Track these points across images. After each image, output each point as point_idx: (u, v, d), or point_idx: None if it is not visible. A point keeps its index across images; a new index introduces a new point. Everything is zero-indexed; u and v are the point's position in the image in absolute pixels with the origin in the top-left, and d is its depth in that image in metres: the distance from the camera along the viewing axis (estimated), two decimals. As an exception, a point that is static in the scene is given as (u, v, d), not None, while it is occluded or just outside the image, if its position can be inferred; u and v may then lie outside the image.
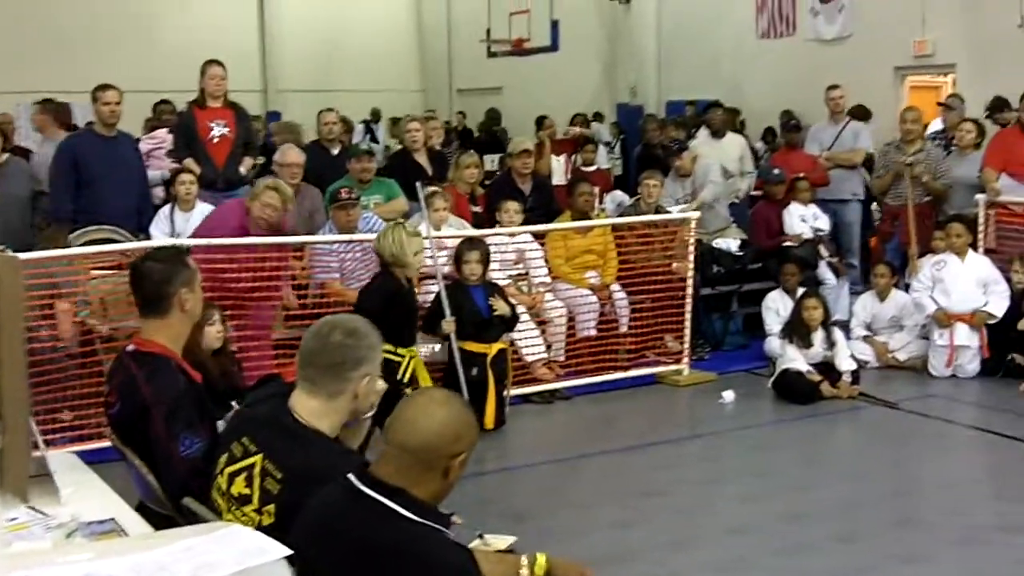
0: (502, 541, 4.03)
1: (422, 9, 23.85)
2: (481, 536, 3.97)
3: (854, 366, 9.06)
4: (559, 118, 15.50)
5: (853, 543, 6.01)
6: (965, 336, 9.47)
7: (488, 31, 19.49)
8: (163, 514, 3.88)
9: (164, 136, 10.17)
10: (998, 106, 11.90)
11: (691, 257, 9.62)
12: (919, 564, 5.74)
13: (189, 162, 9.30)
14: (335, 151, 10.57)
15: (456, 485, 3.17)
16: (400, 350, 6.75)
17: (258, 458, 3.43)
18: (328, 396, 3.49)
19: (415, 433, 3.05)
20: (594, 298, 9.49)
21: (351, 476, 3.10)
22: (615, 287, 9.62)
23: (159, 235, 8.61)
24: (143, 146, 9.95)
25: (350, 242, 8.34)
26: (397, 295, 6.99)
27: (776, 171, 11.22)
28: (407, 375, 6.94)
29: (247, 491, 3.43)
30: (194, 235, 7.97)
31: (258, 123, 13.98)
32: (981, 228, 10.18)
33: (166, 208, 9.06)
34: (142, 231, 8.70)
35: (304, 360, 3.53)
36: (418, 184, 8.12)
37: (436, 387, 3.32)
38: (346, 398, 3.51)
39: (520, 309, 8.70)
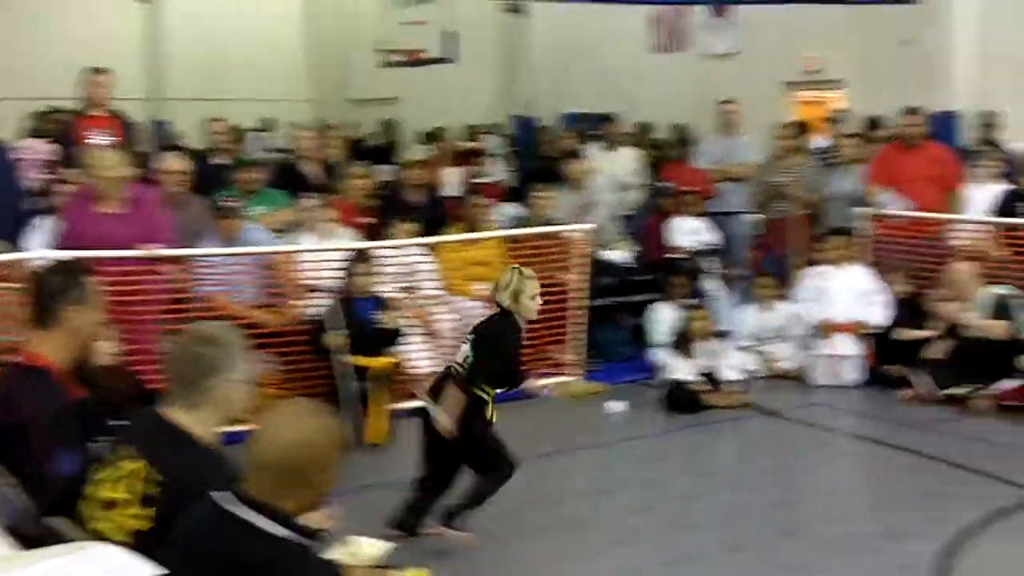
0: (375, 547, 3.96)
1: (314, 18, 23.62)
2: (346, 539, 3.88)
3: (740, 376, 9.22)
4: (454, 129, 15.47)
5: (740, 552, 6.09)
6: (847, 346, 9.72)
7: (382, 41, 19.40)
8: (29, 535, 3.77)
9: (37, 145, 9.90)
10: (872, 124, 12.18)
11: (581, 269, 9.65)
12: (803, 573, 5.83)
13: (70, 172, 9.07)
14: (222, 161, 10.41)
15: (330, 497, 3.15)
16: (489, 389, 6.27)
17: (138, 464, 3.40)
18: (193, 406, 3.48)
19: (273, 447, 3.05)
20: (486, 310, 9.46)
21: (216, 494, 3.08)
22: (506, 299, 9.60)
23: (38, 247, 8.38)
24: (17, 155, 9.68)
25: (234, 254, 8.22)
26: (519, 340, 6.49)
27: (665, 184, 11.34)
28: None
29: (125, 496, 3.39)
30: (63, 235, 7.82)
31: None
32: (863, 240, 10.41)
33: (45, 219, 8.82)
34: (17, 241, 8.45)
35: (168, 372, 3.54)
36: (305, 195, 8.04)
37: (297, 400, 3.29)
38: (212, 406, 3.50)
39: (410, 322, 8.65)
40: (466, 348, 6.20)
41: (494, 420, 6.21)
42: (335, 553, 3.48)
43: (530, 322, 9.37)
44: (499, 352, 6.18)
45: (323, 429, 3.12)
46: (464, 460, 6.18)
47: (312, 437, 3.07)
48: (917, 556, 5.89)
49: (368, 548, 3.96)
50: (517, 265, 6.53)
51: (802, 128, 11.91)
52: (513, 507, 6.72)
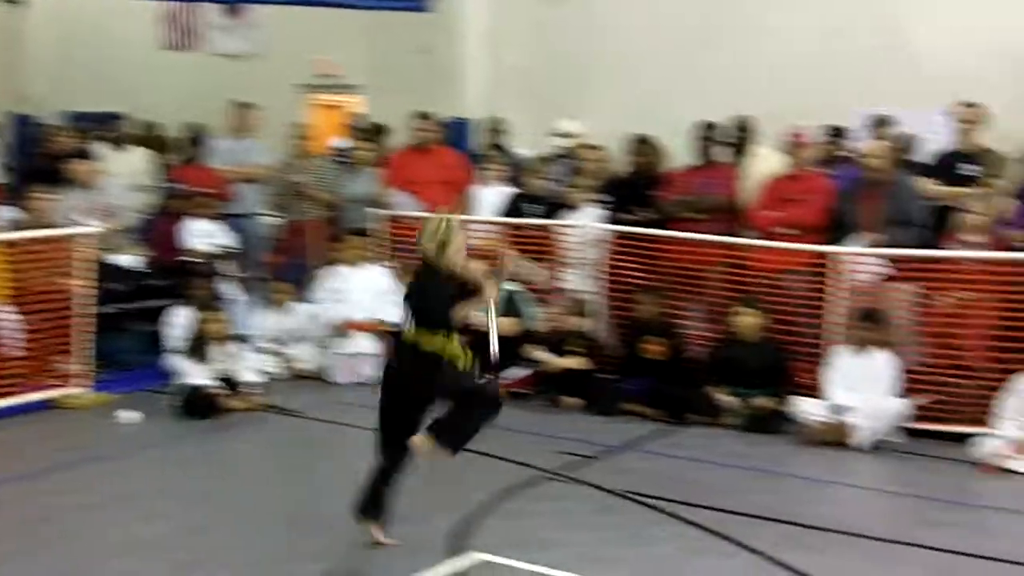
0: None
1: None
2: None
3: (258, 378, 9.13)
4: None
5: (253, 551, 5.97)
6: (364, 344, 9.90)
7: None
8: None
9: None
10: (376, 130, 12.44)
11: (89, 274, 9.15)
12: (325, 561, 5.81)
13: None
14: None
15: None
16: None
17: None
18: None
19: None
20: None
21: None
22: (3, 307, 8.90)
23: None
24: None
25: None
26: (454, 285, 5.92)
27: (177, 185, 11.00)
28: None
29: None
30: None
31: None
32: (379, 241, 10.61)
33: None
34: None
35: None
36: None
37: None
38: None
39: None
40: (406, 310, 5.87)
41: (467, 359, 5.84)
42: None
43: (30, 331, 8.94)
44: (424, 299, 5.83)
45: None
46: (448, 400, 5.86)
47: None
48: (430, 537, 6.05)
49: None
50: (448, 212, 6.08)
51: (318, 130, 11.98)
52: (19, 523, 6.36)
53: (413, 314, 5.84)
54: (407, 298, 5.95)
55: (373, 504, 6.02)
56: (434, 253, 5.90)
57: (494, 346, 5.95)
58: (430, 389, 5.83)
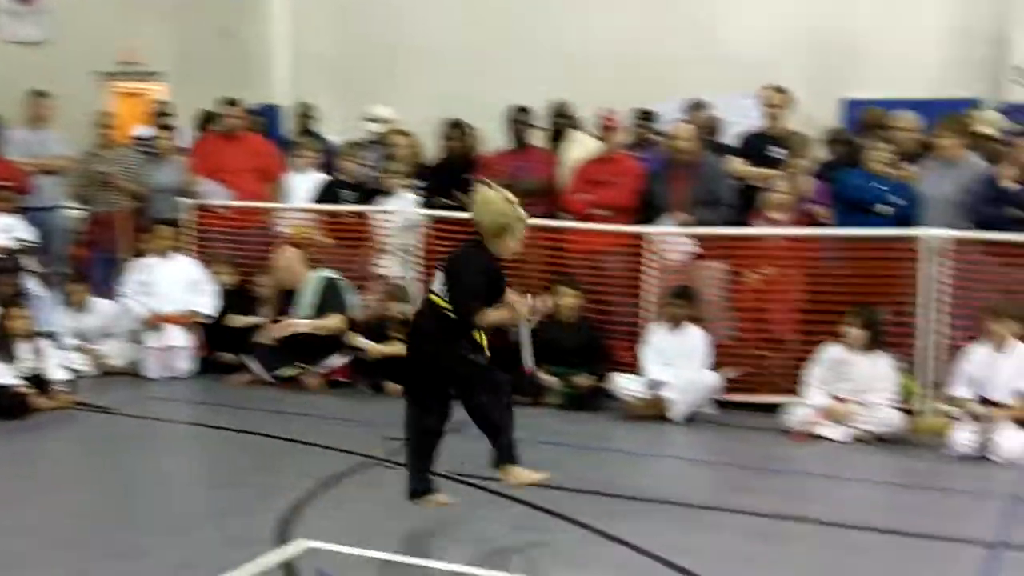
0: None
1: None
2: None
3: (66, 375, 8.82)
4: None
5: (69, 550, 5.76)
6: (177, 337, 9.68)
7: None
8: None
9: None
10: (208, 118, 12.12)
11: None
12: (136, 558, 5.59)
13: None
14: None
15: None
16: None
17: None
18: None
19: None
20: None
21: None
22: None
23: None
24: None
25: None
26: (495, 270, 5.61)
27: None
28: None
29: None
30: None
31: None
32: (187, 231, 10.35)
33: None
34: None
35: None
36: None
37: None
38: None
39: None
40: (440, 275, 5.65)
41: (483, 342, 5.69)
42: None
43: None
44: (459, 280, 5.53)
45: None
46: (449, 385, 5.76)
47: None
48: (257, 526, 5.91)
49: None
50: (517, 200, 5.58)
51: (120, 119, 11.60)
52: None
53: (445, 288, 5.57)
54: (444, 268, 5.67)
55: (424, 481, 5.88)
56: (488, 231, 5.49)
57: (527, 361, 5.86)
58: (447, 359, 5.65)
